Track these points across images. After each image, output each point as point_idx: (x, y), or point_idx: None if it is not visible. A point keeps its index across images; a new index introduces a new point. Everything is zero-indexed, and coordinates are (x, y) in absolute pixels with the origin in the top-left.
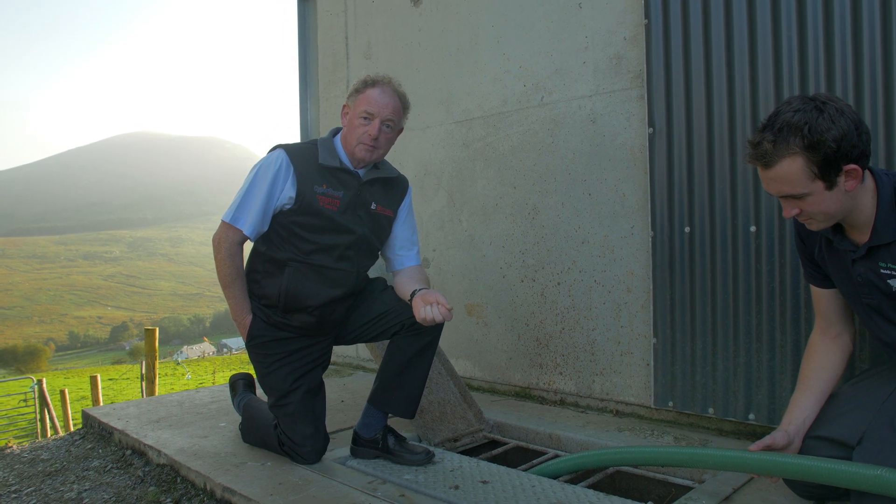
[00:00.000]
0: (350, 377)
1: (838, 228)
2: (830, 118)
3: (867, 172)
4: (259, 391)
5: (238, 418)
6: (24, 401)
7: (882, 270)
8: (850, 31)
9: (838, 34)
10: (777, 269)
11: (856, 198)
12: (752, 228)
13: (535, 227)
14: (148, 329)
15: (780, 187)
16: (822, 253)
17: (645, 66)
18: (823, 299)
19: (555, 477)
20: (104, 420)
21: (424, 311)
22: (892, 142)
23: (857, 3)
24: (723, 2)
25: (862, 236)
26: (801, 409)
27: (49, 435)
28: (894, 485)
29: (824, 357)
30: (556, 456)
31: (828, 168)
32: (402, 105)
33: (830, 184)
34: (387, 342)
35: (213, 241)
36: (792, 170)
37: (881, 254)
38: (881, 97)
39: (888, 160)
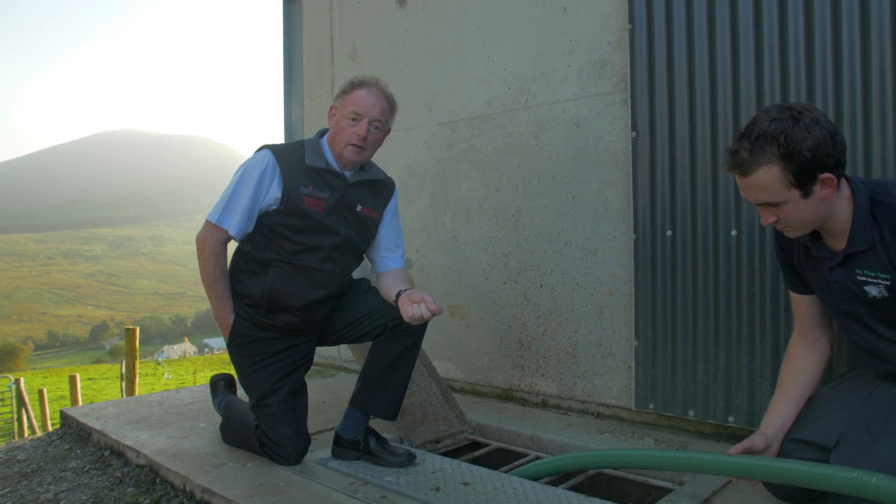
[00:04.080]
0: (332, 378)
1: (816, 236)
2: (806, 128)
3: (843, 181)
4: (240, 391)
5: (218, 419)
6: (1, 400)
7: (859, 277)
8: (829, 39)
9: (818, 41)
10: (757, 273)
11: (832, 206)
12: (734, 232)
13: (518, 229)
14: (128, 328)
15: (757, 195)
16: (801, 260)
17: (629, 70)
18: (802, 305)
19: (536, 479)
20: (83, 420)
21: (412, 310)
22: (870, 149)
23: (836, 11)
24: (706, 8)
25: (839, 244)
26: (780, 413)
27: (26, 435)
28: (870, 487)
29: (803, 361)
30: (538, 458)
31: (803, 177)
32: (390, 106)
33: (806, 192)
34: (369, 343)
35: (198, 240)
36: (768, 178)
37: (858, 261)
38: (860, 105)
39: (866, 167)
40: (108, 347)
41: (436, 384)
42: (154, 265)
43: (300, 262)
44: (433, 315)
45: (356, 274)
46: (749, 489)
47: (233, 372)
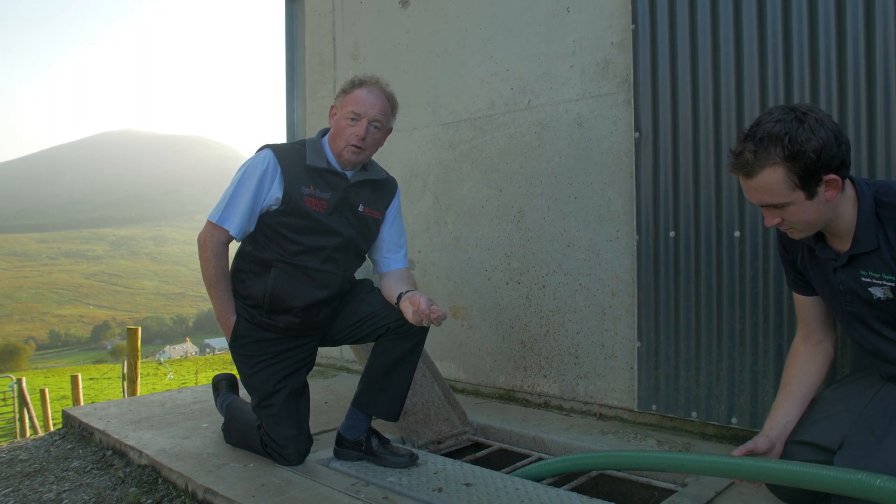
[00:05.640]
0: (334, 378)
1: (820, 237)
2: (811, 129)
3: (848, 181)
4: (242, 392)
5: (220, 419)
6: (3, 400)
7: (863, 278)
8: (834, 39)
9: (822, 41)
10: (761, 273)
11: (836, 207)
12: (737, 233)
13: (520, 229)
14: (130, 328)
15: (761, 197)
16: (805, 261)
17: (632, 70)
18: (806, 306)
19: (538, 480)
20: (85, 420)
21: (414, 315)
22: (875, 150)
23: (841, 12)
24: (709, 8)
25: (843, 245)
26: (783, 414)
27: (28, 435)
28: (874, 489)
29: (806, 363)
30: (540, 459)
31: (808, 178)
32: (391, 105)
33: (811, 193)
34: (372, 344)
35: (199, 240)
36: (773, 180)
37: (862, 262)
38: (864, 105)
39: (870, 168)
40: (109, 347)
41: (438, 385)
42: (155, 265)
43: (301, 263)
44: (440, 322)
45: (359, 274)
46: (752, 491)
47: (235, 372)
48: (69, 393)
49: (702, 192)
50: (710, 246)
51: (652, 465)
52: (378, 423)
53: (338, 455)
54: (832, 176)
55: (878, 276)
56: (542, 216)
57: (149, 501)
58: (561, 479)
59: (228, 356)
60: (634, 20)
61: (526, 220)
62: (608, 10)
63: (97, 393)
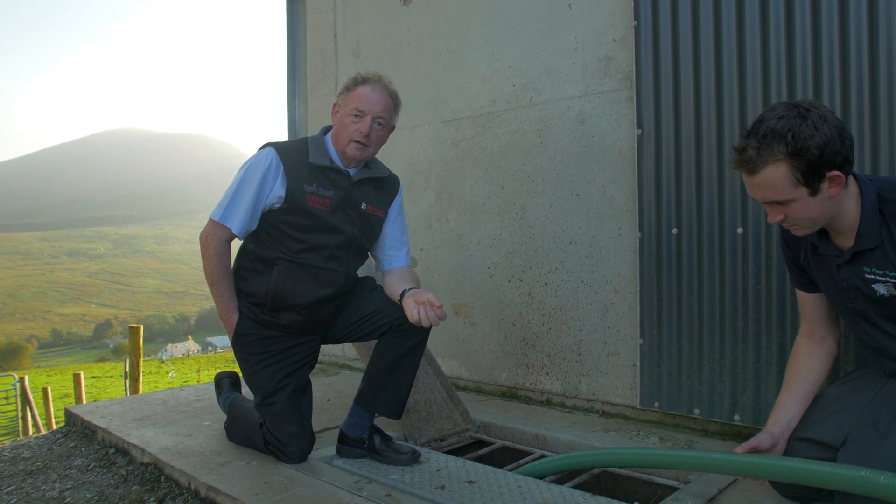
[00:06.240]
0: (336, 376)
1: (823, 234)
2: (814, 125)
3: (851, 178)
4: (245, 390)
5: (223, 417)
6: (6, 398)
7: (867, 275)
8: (837, 35)
9: (826, 37)
10: (763, 270)
11: (840, 204)
12: (739, 230)
13: (522, 227)
14: (132, 327)
15: (764, 193)
16: (808, 258)
17: (634, 67)
18: (809, 303)
19: (541, 477)
20: (87, 418)
21: (417, 313)
22: (878, 147)
23: (844, 7)
24: (712, 5)
25: (846, 242)
26: (786, 411)
27: (31, 433)
28: (877, 486)
29: (809, 360)
30: (543, 456)
31: (811, 175)
32: (394, 102)
33: (814, 190)
34: (374, 342)
35: (201, 238)
36: (776, 176)
37: (865, 259)
38: (867, 102)
39: (873, 165)
40: (111, 346)
41: (440, 382)
42: (157, 263)
43: (304, 261)
44: (439, 321)
45: (361, 272)
46: (755, 488)
47: (237, 370)
48: (71, 391)
49: (704, 188)
50: (712, 242)
51: (654, 462)
52: (381, 421)
53: (340, 453)
54: (835, 172)
55: (881, 272)
56: (545, 213)
57: (151, 499)
58: (563, 477)
59: (231, 354)
60: (636, 17)
61: (528, 218)
62: (610, 6)
63: (99, 391)
